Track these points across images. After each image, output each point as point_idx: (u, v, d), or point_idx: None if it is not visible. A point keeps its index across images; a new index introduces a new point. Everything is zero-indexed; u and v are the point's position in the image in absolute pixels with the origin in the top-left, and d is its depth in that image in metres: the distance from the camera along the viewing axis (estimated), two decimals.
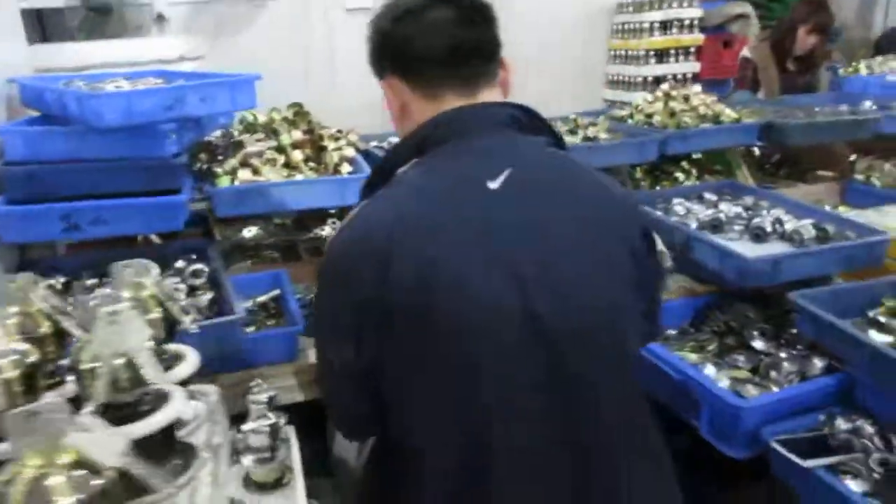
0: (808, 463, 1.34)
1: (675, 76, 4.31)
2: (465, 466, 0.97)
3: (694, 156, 2.61)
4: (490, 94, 1.10)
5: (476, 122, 1.07)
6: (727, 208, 2.12)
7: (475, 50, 1.07)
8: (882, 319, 1.58)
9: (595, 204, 1.07)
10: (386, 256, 0.94)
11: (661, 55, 4.23)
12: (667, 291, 1.95)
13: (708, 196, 2.25)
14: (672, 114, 2.35)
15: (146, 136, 1.60)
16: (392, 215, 0.99)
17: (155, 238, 2.06)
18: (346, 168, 1.98)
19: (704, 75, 4.33)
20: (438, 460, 0.99)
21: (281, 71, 2.75)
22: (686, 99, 2.45)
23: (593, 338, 0.99)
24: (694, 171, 2.54)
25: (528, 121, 1.11)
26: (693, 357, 1.71)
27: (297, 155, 1.99)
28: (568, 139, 2.32)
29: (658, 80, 4.39)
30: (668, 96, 2.48)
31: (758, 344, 1.80)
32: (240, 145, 1.97)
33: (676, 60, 4.27)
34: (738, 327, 1.85)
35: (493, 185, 1.00)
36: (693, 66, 4.32)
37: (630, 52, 4.31)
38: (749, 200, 2.20)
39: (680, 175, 2.51)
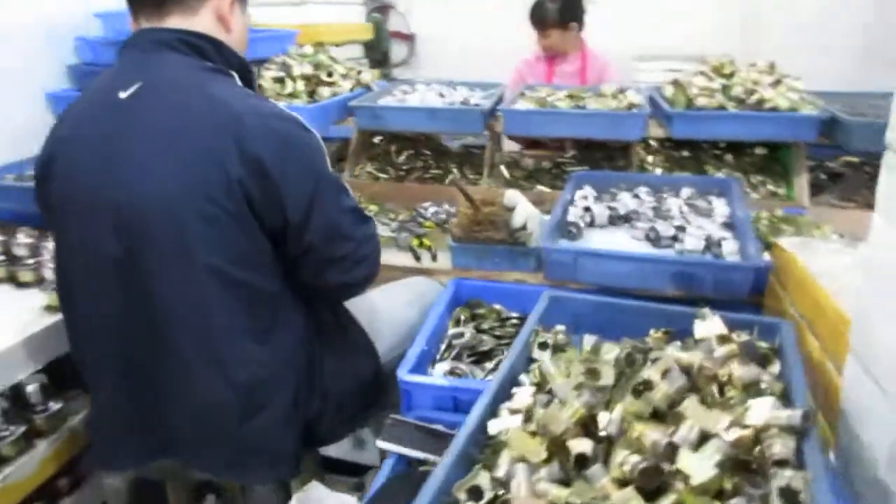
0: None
1: None
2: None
3: (758, 151, 2.09)
4: (180, 21, 1.29)
5: (141, 42, 1.30)
6: (671, 204, 1.74)
7: None
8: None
9: (190, 115, 1.20)
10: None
11: None
12: None
13: (686, 191, 1.84)
14: (684, 90, 1.93)
15: None
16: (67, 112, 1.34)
17: None
18: None
19: None
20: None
21: None
22: (731, 75, 1.97)
23: (154, 224, 1.18)
24: (729, 167, 2.04)
25: (211, 50, 1.30)
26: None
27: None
28: (561, 104, 2.09)
29: None
30: (716, 71, 2.01)
31: None
32: None
33: None
34: None
35: (124, 94, 1.24)
36: None
37: None
38: (716, 203, 1.74)
39: (709, 168, 2.05)
